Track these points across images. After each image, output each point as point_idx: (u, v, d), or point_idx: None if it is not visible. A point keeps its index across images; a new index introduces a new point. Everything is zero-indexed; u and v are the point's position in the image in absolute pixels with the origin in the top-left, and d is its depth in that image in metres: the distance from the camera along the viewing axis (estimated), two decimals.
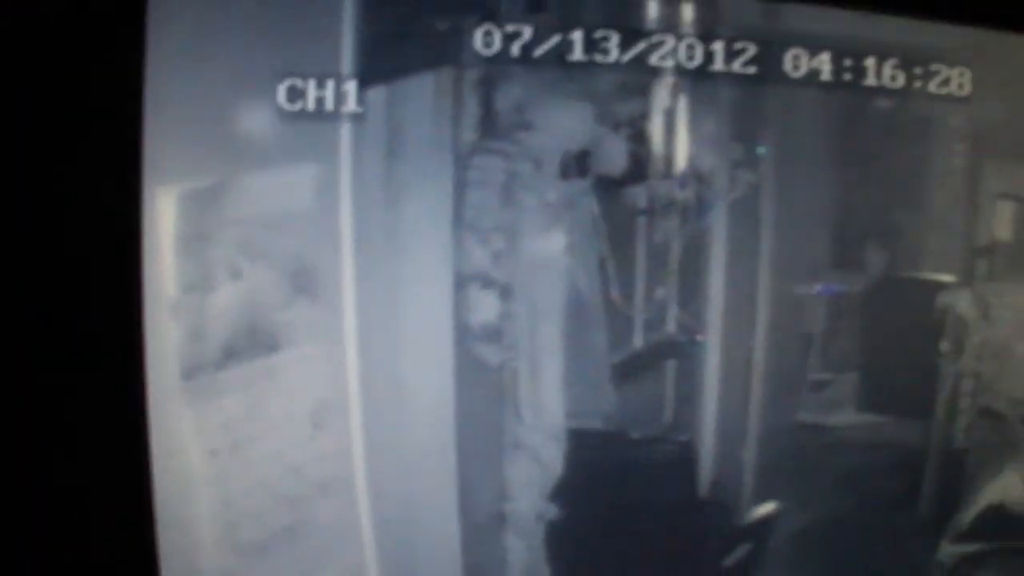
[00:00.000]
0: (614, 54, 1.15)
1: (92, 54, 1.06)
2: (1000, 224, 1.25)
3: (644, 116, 1.19)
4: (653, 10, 1.16)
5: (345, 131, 1.16)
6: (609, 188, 1.19)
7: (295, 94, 1.13)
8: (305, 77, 1.13)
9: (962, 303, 1.25)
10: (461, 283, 1.18)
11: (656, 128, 1.19)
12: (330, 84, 1.14)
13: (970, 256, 1.27)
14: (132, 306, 1.12)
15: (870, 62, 1.18)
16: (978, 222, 1.26)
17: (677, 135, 1.20)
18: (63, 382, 1.09)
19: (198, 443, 1.15)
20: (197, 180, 1.14)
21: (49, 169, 1.07)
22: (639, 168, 1.19)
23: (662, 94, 1.18)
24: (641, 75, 1.17)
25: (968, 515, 1.28)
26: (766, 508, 1.23)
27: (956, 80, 1.21)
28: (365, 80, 1.14)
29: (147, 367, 1.13)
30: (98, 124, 1.08)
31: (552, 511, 1.20)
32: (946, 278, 1.26)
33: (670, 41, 1.15)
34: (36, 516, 1.10)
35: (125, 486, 1.12)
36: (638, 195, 1.20)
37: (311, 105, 1.13)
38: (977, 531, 1.28)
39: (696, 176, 1.20)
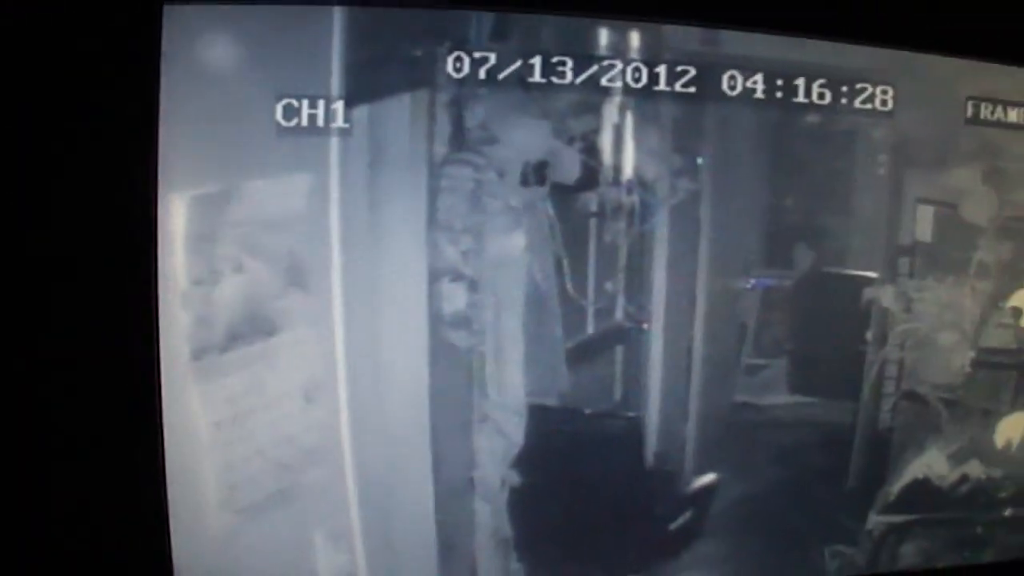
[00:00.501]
0: (569, 77, 1.22)
1: (115, 81, 1.15)
2: (921, 226, 1.35)
3: (595, 131, 1.25)
4: (603, 37, 1.23)
5: (334, 144, 1.21)
6: (564, 194, 1.25)
7: (290, 112, 1.19)
8: (299, 97, 1.18)
9: (885, 297, 1.34)
10: (434, 277, 1.24)
11: (606, 141, 1.25)
12: (321, 103, 1.19)
13: (893, 255, 1.35)
14: (148, 296, 1.18)
15: (800, 82, 1.27)
16: (900, 224, 1.34)
17: (624, 148, 1.26)
18: (89, 361, 1.17)
19: (204, 415, 1.21)
20: (205, 187, 1.19)
21: (76, 178, 1.15)
22: (591, 177, 1.25)
23: (611, 112, 1.25)
24: (593, 95, 1.23)
25: (894, 488, 1.39)
26: (707, 478, 1.32)
27: (879, 97, 1.30)
28: (351, 100, 1.20)
29: (161, 349, 1.18)
30: (119, 139, 1.16)
31: (514, 478, 1.27)
32: (870, 274, 1.34)
33: (618, 65, 1.23)
34: (61, 475, 1.18)
35: (140, 452, 1.19)
36: (590, 200, 1.26)
37: (304, 121, 1.19)
38: (903, 503, 1.39)
39: (641, 184, 1.26)
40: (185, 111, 1.16)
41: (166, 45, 1.15)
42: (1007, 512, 1.43)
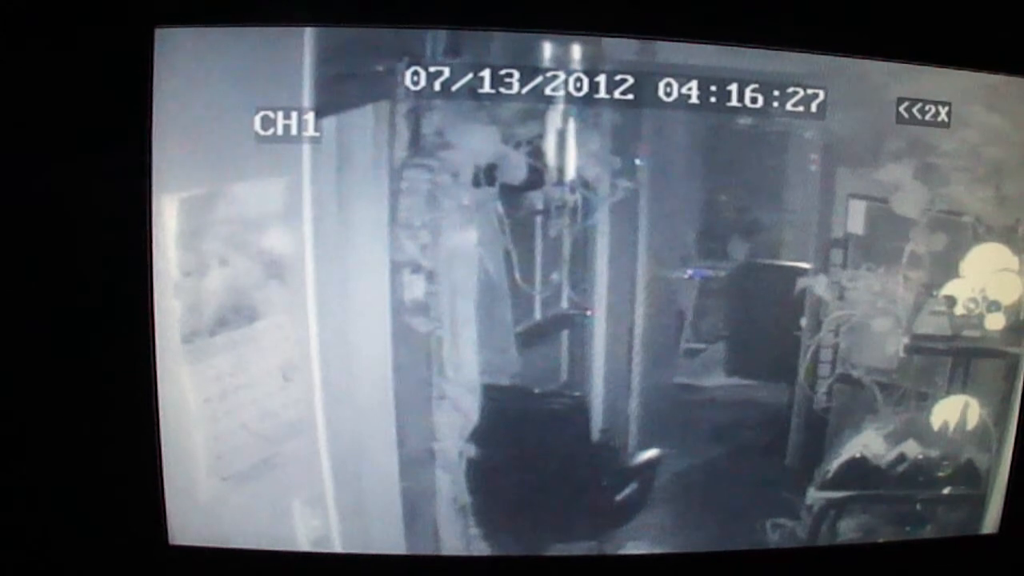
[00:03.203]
0: (516, 87, 1.32)
1: (112, 95, 1.28)
2: (853, 220, 1.43)
3: (540, 136, 1.33)
4: (547, 51, 1.32)
5: (306, 151, 1.31)
6: (512, 194, 1.34)
7: (267, 122, 1.29)
8: (275, 109, 1.29)
9: (819, 286, 1.44)
10: (396, 269, 1.33)
11: (550, 145, 1.34)
12: (294, 115, 1.29)
13: (826, 247, 1.43)
14: (143, 286, 1.30)
15: (733, 87, 1.36)
16: (832, 218, 1.42)
17: (567, 151, 1.35)
18: (90, 344, 1.31)
19: (194, 392, 1.32)
20: (192, 189, 1.30)
21: (76, 181, 1.28)
22: (536, 177, 1.34)
23: (555, 118, 1.34)
24: (538, 103, 1.33)
25: (832, 466, 1.48)
26: (650, 453, 1.42)
27: (810, 100, 1.39)
28: (321, 111, 1.30)
29: (155, 333, 1.31)
30: (116, 147, 1.28)
31: (471, 450, 1.38)
32: (804, 265, 1.43)
33: (561, 75, 1.32)
34: (65, 446, 1.31)
35: (137, 426, 1.32)
36: (536, 199, 1.35)
37: (280, 131, 1.29)
38: (840, 480, 1.48)
39: (583, 183, 1.35)
40: (174, 122, 1.29)
41: (158, 63, 1.28)
42: (946, 490, 1.52)
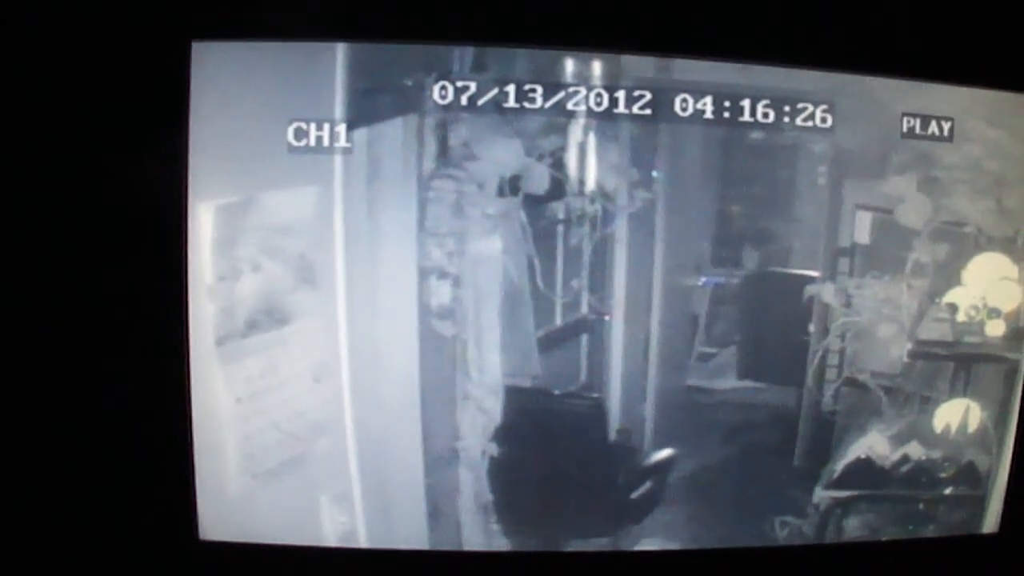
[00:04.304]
0: (539, 102, 1.38)
1: (151, 107, 1.33)
2: (859, 230, 1.49)
3: (562, 148, 1.39)
4: (569, 67, 1.39)
5: (337, 161, 1.36)
6: (535, 203, 1.39)
7: (300, 134, 1.34)
8: (308, 121, 1.34)
9: (826, 293, 1.50)
10: (423, 275, 1.38)
11: (572, 158, 1.40)
12: (326, 126, 1.34)
13: (833, 256, 1.49)
14: (179, 290, 1.35)
15: (745, 103, 1.42)
16: (839, 228, 1.48)
17: (588, 163, 1.40)
18: (127, 345, 1.35)
19: (226, 393, 1.37)
20: (228, 197, 1.34)
21: (116, 189, 1.33)
22: (558, 188, 1.40)
23: (576, 132, 1.39)
24: (560, 117, 1.38)
25: (838, 466, 1.54)
26: (664, 453, 1.47)
27: (819, 115, 1.45)
28: (352, 123, 1.35)
29: (190, 335, 1.35)
30: (154, 157, 1.33)
31: (493, 449, 1.43)
32: (812, 273, 1.49)
33: (582, 91, 1.38)
34: (100, 443, 1.35)
35: (170, 424, 1.36)
36: (558, 209, 1.40)
37: (312, 142, 1.34)
38: (846, 480, 1.54)
39: (603, 194, 1.41)
40: (210, 132, 1.34)
41: (194, 76, 1.33)
42: (947, 491, 1.58)
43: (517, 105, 1.38)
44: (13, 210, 1.36)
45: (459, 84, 1.37)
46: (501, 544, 1.46)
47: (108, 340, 1.36)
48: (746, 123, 1.43)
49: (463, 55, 1.37)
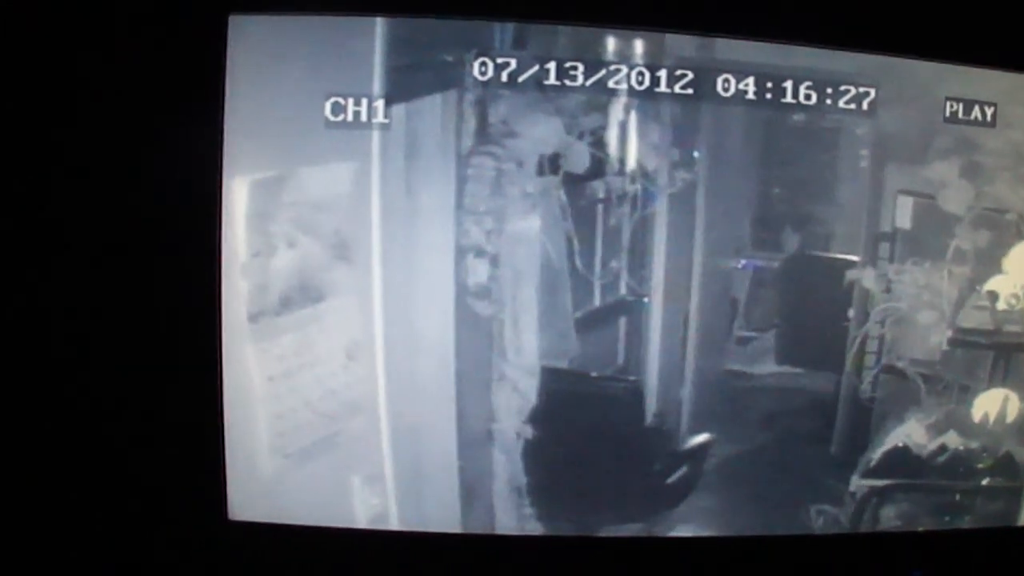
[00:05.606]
0: (580, 80, 1.38)
1: (188, 80, 1.34)
2: (900, 215, 1.50)
3: (603, 127, 1.40)
4: (611, 45, 1.39)
5: (375, 137, 1.37)
6: (575, 183, 1.40)
7: (338, 109, 1.35)
8: (345, 96, 1.35)
9: (866, 278, 1.50)
10: (461, 253, 1.39)
11: (612, 137, 1.41)
12: (364, 102, 1.35)
13: (874, 240, 1.50)
14: (213, 266, 1.35)
15: (788, 84, 1.43)
16: (881, 213, 1.49)
17: (629, 142, 1.41)
18: (159, 321, 1.35)
19: (259, 371, 1.38)
20: (263, 172, 1.35)
21: (151, 163, 1.33)
22: (598, 167, 1.40)
23: (617, 110, 1.40)
24: (601, 96, 1.39)
25: (875, 454, 1.54)
26: (701, 438, 1.48)
27: (862, 98, 1.46)
28: (390, 99, 1.35)
29: (223, 312, 1.36)
30: (190, 130, 1.34)
31: (528, 431, 1.43)
32: (852, 258, 1.49)
33: (624, 69, 1.39)
34: (131, 421, 1.36)
35: (202, 402, 1.37)
36: (597, 188, 1.41)
37: (350, 117, 1.35)
38: (883, 468, 1.54)
39: (643, 174, 1.42)
40: (247, 106, 1.35)
41: (231, 49, 1.34)
42: (984, 481, 1.58)
43: (558, 83, 1.39)
44: (48, 185, 1.36)
45: (499, 60, 1.38)
46: (534, 528, 1.47)
47: (139, 316, 1.37)
48: (788, 105, 1.44)
49: (504, 31, 1.38)
